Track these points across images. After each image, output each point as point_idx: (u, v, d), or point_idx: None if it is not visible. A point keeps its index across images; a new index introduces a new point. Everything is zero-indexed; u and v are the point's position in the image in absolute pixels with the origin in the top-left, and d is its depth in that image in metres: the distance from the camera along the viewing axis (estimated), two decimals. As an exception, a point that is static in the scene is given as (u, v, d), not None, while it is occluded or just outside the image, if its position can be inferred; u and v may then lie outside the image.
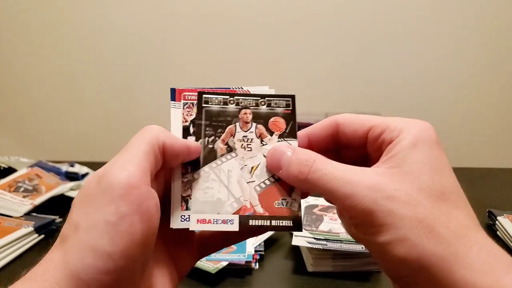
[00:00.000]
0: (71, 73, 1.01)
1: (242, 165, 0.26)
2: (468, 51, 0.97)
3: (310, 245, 0.50)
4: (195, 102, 0.27)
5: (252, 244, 0.54)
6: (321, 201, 0.62)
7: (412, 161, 0.21)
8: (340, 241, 0.50)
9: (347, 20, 0.95)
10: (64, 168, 0.80)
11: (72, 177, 0.78)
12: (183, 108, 0.27)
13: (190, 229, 0.24)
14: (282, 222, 0.24)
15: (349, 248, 0.49)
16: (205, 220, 0.24)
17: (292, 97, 0.27)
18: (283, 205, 0.25)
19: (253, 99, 0.27)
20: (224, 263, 0.49)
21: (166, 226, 0.24)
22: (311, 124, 0.27)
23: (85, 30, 0.97)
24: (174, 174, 0.25)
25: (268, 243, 0.58)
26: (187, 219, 0.24)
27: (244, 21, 0.96)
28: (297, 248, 0.57)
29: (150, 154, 0.22)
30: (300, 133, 0.26)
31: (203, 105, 0.27)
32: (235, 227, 0.24)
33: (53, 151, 1.03)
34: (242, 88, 0.28)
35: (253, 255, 0.52)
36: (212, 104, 0.27)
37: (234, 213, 0.24)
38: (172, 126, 0.26)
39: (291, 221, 0.24)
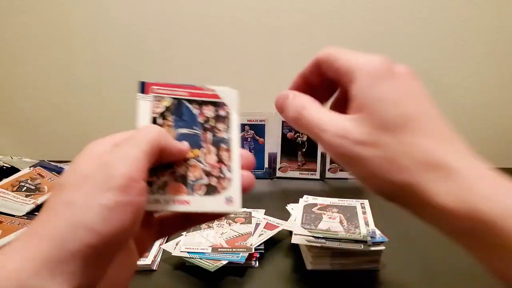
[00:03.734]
0: (73, 73, 1.01)
1: None
2: (467, 51, 0.97)
3: (309, 243, 0.50)
4: (164, 95, 0.29)
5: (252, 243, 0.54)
6: (320, 200, 0.62)
7: (370, 101, 0.24)
8: (339, 239, 0.50)
9: (346, 20, 0.96)
10: (66, 167, 0.81)
11: (74, 176, 0.78)
12: (152, 101, 0.29)
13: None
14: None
15: (348, 247, 0.49)
16: None
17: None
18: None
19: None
20: (224, 262, 0.50)
21: None
22: None
23: (86, 30, 0.98)
24: None
25: (268, 241, 0.58)
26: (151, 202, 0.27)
27: (244, 22, 0.96)
28: (296, 247, 0.57)
29: (150, 154, 0.24)
30: (296, 78, 0.31)
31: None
32: None
33: (55, 151, 1.03)
34: (205, 86, 0.30)
35: (253, 253, 0.53)
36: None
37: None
38: (140, 117, 0.28)
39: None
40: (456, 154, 0.23)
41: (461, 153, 0.23)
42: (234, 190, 0.28)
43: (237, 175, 0.29)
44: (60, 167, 0.80)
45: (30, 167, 0.76)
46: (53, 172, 0.76)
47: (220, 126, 0.30)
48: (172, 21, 0.96)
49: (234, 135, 0.30)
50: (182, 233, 0.57)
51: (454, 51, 0.97)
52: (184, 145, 0.28)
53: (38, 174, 0.74)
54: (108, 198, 0.21)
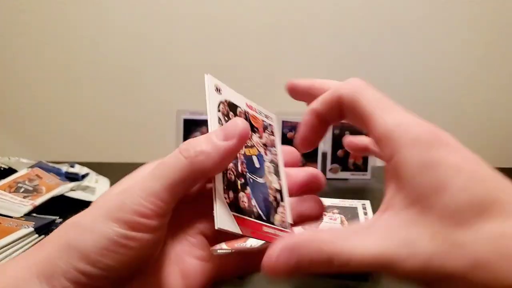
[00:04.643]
0: (72, 74, 1.01)
1: None
2: (467, 50, 0.97)
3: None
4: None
5: (251, 244, 0.54)
6: (321, 201, 0.62)
7: (428, 190, 0.18)
8: (340, 240, 0.50)
9: (346, 21, 0.95)
10: (64, 168, 0.80)
11: (72, 177, 0.78)
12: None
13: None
14: None
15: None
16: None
17: None
18: None
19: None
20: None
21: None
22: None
23: (86, 30, 0.97)
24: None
25: (268, 243, 0.58)
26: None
27: (244, 22, 0.96)
28: (297, 248, 0.56)
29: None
30: (308, 116, 0.24)
31: None
32: None
33: (53, 151, 1.03)
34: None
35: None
36: None
37: None
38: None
39: None
40: None
41: None
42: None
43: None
44: (58, 168, 0.80)
45: (28, 168, 0.76)
46: (51, 173, 0.76)
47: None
48: (172, 21, 0.96)
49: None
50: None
51: (454, 51, 0.97)
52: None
53: (36, 175, 0.73)
54: (112, 228, 0.20)
